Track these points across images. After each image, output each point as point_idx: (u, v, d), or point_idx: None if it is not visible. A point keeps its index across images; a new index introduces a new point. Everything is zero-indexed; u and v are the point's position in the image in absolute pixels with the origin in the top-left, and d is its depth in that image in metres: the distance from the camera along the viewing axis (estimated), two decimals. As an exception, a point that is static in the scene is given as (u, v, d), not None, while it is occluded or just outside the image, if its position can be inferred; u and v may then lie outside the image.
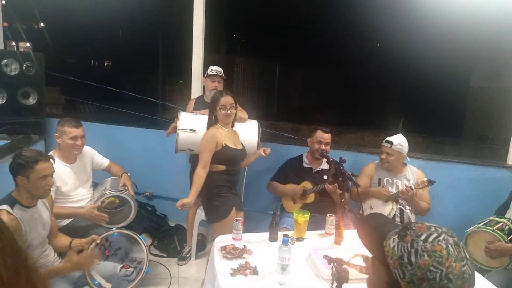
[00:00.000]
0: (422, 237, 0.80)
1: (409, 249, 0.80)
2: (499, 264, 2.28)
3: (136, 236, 2.38)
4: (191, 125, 2.82)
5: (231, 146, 2.47)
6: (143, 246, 2.39)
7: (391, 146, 2.75)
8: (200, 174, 2.40)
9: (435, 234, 0.80)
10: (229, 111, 2.45)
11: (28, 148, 2.28)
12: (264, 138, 3.19)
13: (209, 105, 2.58)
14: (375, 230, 0.93)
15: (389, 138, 2.79)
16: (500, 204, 2.64)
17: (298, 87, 14.18)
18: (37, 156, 1.92)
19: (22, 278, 0.77)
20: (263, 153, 2.77)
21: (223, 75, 3.14)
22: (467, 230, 2.43)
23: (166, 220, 3.68)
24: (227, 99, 2.46)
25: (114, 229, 2.39)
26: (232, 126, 2.60)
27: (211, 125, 2.50)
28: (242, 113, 2.93)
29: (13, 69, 3.26)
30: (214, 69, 3.11)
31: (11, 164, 1.91)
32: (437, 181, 2.62)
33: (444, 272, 0.76)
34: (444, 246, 0.78)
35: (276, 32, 12.33)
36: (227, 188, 2.49)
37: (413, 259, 0.78)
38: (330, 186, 2.68)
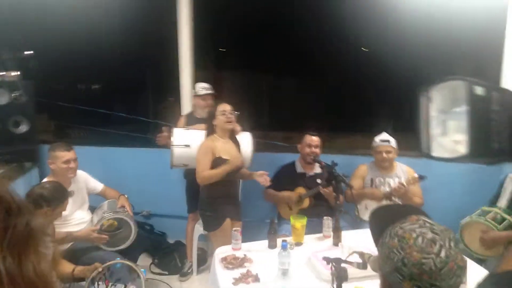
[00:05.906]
0: (403, 225, 0.89)
1: (389, 231, 0.90)
2: (495, 253, 2.33)
3: (138, 270, 2.35)
4: (185, 140, 2.85)
5: (225, 157, 2.47)
6: (142, 280, 2.34)
7: (389, 143, 2.82)
8: (206, 172, 2.43)
9: (416, 225, 0.88)
10: (229, 115, 2.49)
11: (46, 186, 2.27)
12: (257, 148, 3.23)
13: (206, 118, 2.62)
14: (380, 224, 1.00)
15: (383, 137, 2.86)
16: (492, 195, 2.70)
17: (288, 96, 14.27)
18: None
19: None
20: (259, 179, 2.60)
21: (212, 91, 3.16)
22: (461, 222, 2.48)
23: (165, 238, 3.67)
24: (226, 106, 2.52)
25: (118, 259, 2.36)
26: (231, 136, 2.62)
27: (208, 136, 2.53)
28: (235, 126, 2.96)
29: (2, 99, 3.27)
30: (204, 88, 3.13)
31: None
32: (429, 176, 2.68)
33: (401, 257, 0.85)
34: (414, 236, 0.85)
35: (262, 43, 12.48)
36: (222, 199, 2.50)
37: (386, 239, 0.90)
38: (325, 189, 2.72)
